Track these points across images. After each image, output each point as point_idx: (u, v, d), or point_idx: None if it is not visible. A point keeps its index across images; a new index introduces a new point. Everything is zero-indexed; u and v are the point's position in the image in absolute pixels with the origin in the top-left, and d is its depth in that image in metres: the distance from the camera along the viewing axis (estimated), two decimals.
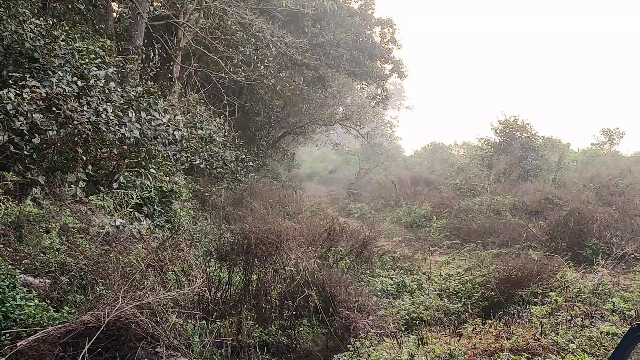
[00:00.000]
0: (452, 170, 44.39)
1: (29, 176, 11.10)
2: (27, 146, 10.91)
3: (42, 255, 8.94)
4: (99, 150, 13.00)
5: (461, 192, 32.12)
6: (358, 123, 46.74)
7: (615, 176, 29.39)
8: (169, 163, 15.50)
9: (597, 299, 12.30)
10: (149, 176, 13.72)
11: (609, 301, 12.11)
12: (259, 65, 24.11)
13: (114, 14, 19.47)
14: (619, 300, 12.10)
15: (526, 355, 8.50)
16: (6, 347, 6.66)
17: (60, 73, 11.77)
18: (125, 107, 13.27)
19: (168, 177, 14.78)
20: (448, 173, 44.04)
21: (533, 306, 11.72)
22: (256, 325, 9.80)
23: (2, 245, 8.60)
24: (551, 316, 10.79)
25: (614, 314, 11.40)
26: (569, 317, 10.57)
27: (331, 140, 53.77)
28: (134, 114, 13.15)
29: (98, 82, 12.64)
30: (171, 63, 21.45)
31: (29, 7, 13.91)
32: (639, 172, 32.81)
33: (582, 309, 11.32)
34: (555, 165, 36.67)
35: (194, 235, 13.81)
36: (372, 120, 53.88)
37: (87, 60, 12.94)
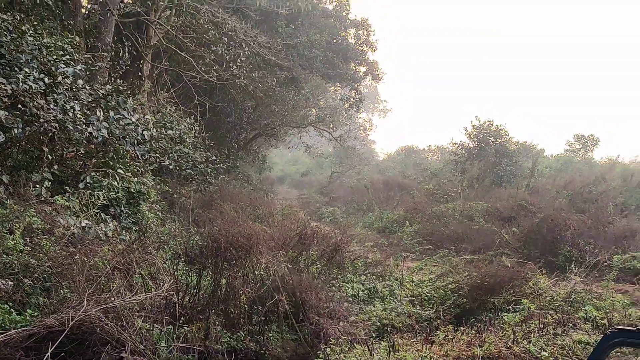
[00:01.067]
0: (425, 175, 44.39)
1: None
2: None
3: (4, 256, 8.71)
4: (65, 149, 12.72)
5: (434, 197, 32.10)
6: (331, 126, 46.65)
7: (589, 183, 29.54)
8: (137, 163, 15.24)
9: (569, 307, 12.26)
10: (117, 177, 13.46)
11: (581, 309, 12.07)
12: (231, 65, 23.89)
13: (83, 10, 19.15)
14: (592, 308, 12.06)
15: None
16: None
17: (27, 69, 11.47)
18: (93, 105, 12.99)
19: (136, 178, 14.53)
20: (421, 178, 44.00)
21: (505, 313, 11.67)
22: (224, 331, 9.60)
23: None
24: (523, 324, 10.72)
25: (587, 322, 11.37)
26: (541, 325, 10.51)
27: (303, 143, 53.59)
28: (102, 112, 12.88)
29: (66, 79, 12.37)
30: (141, 61, 21.16)
31: None
32: (613, 179, 33.03)
33: (555, 317, 11.27)
34: (529, 171, 36.81)
35: (162, 237, 13.58)
36: (345, 123, 53.74)
37: (55, 57, 12.65)
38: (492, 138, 39.14)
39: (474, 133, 39.60)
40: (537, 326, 10.50)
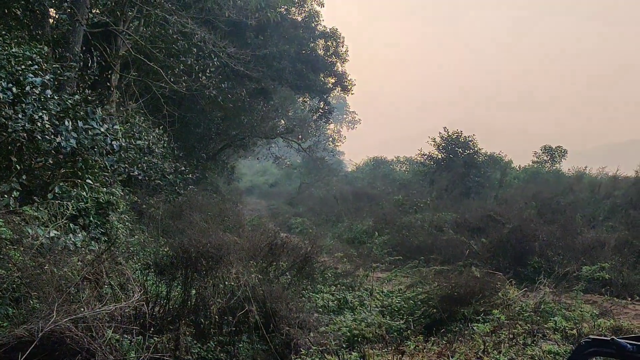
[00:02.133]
0: (394, 186, 44.57)
1: None
2: None
3: None
4: (33, 159, 12.59)
5: (403, 208, 32.23)
6: (300, 137, 46.70)
7: (557, 194, 29.77)
8: (106, 174, 15.12)
9: (539, 318, 12.35)
10: (85, 187, 13.34)
11: (551, 320, 12.17)
12: (200, 75, 23.82)
13: (51, 20, 19.01)
14: (561, 319, 12.17)
15: None
16: None
17: None
18: (61, 115, 12.88)
19: (105, 188, 14.42)
20: (390, 189, 44.17)
21: (475, 324, 11.72)
22: (195, 341, 9.58)
23: None
24: (493, 334, 10.79)
25: (556, 332, 11.46)
26: (511, 336, 10.59)
27: (272, 154, 53.63)
28: (70, 122, 12.77)
29: (34, 89, 12.25)
30: (110, 71, 21.00)
31: None
32: (581, 190, 33.32)
33: (525, 327, 11.36)
34: (497, 182, 37.06)
35: (132, 248, 13.49)
36: (314, 134, 53.80)
37: (23, 67, 12.53)
38: (460, 149, 39.37)
39: (443, 144, 39.80)
40: (507, 336, 10.57)
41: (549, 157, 46.26)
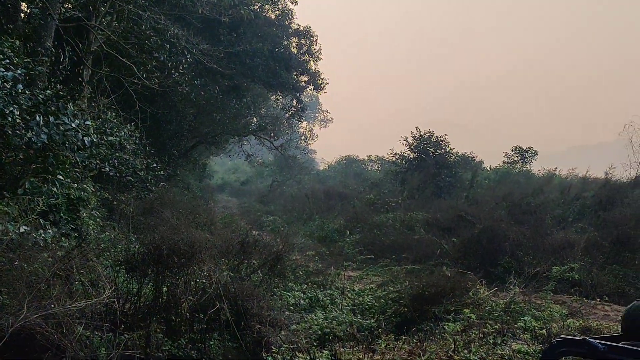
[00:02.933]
0: (365, 185, 44.64)
1: None
2: None
3: None
4: (4, 154, 12.50)
5: (375, 207, 32.29)
6: (272, 134, 46.65)
7: (527, 195, 29.92)
8: (77, 170, 15.03)
9: (509, 317, 12.45)
10: (56, 183, 13.25)
11: (520, 319, 12.27)
12: (173, 72, 23.71)
13: (23, 15, 18.83)
14: (531, 318, 12.27)
15: None
16: None
17: None
18: (33, 110, 12.76)
19: (76, 184, 14.34)
20: (362, 187, 44.23)
21: (446, 323, 11.80)
22: (165, 339, 9.55)
23: None
24: (464, 333, 10.87)
25: (526, 332, 11.57)
26: (481, 335, 10.68)
27: (244, 152, 53.41)
28: (42, 117, 12.67)
29: (5, 83, 12.14)
30: (81, 67, 20.84)
31: None
32: (551, 191, 33.53)
33: (495, 326, 11.46)
34: (468, 182, 37.22)
35: (102, 244, 13.41)
36: (286, 132, 53.79)
37: None
38: (432, 149, 39.51)
39: (414, 144, 39.91)
40: (477, 336, 10.66)
41: (519, 157, 46.53)
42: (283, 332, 10.94)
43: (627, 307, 4.07)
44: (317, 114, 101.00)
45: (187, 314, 10.28)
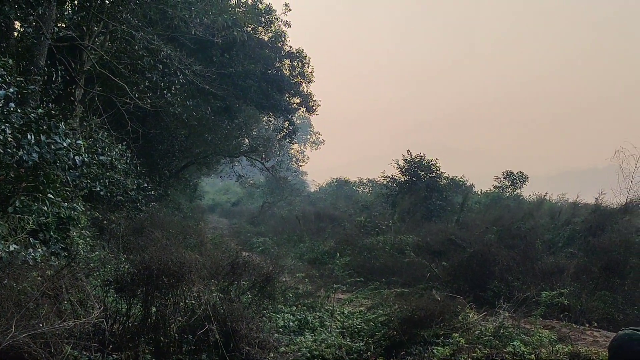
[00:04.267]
0: (356, 207, 44.60)
1: None
2: None
3: None
4: None
5: (365, 229, 32.24)
6: (263, 156, 46.66)
7: (518, 220, 29.90)
8: (67, 189, 15.01)
9: (498, 342, 12.40)
10: (47, 201, 13.24)
11: (510, 344, 12.22)
12: (165, 92, 23.79)
13: (16, 33, 18.88)
14: (520, 343, 12.22)
15: None
16: None
17: None
18: (24, 129, 12.78)
19: (66, 203, 14.32)
20: (352, 210, 44.21)
21: (435, 347, 11.74)
22: (154, 359, 9.49)
23: None
24: (453, 357, 10.85)
25: (515, 357, 11.52)
26: (470, 359, 10.63)
27: (235, 172, 53.46)
28: (33, 136, 12.69)
29: None
30: (74, 86, 20.88)
31: None
32: (541, 216, 33.55)
33: (484, 351, 11.42)
34: (459, 206, 37.24)
35: (92, 264, 13.38)
36: (278, 154, 53.90)
37: None
38: (423, 172, 39.58)
39: (405, 167, 39.99)
40: None
41: (510, 182, 46.60)
42: (272, 354, 10.92)
43: (614, 336, 4.09)
44: (308, 136, 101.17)
45: (176, 335, 10.23)
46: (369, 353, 11.57)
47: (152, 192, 24.42)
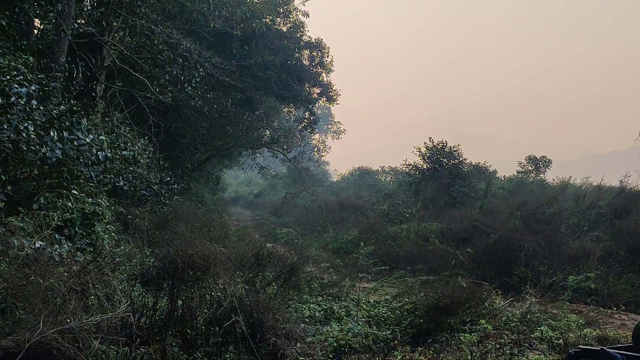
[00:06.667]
0: (379, 196, 44.52)
1: None
2: None
3: None
4: (19, 170, 12.55)
5: (389, 218, 32.17)
6: (285, 147, 46.65)
7: (542, 204, 29.70)
8: (91, 184, 15.07)
9: (525, 328, 12.36)
10: (71, 197, 13.30)
11: (537, 330, 12.18)
12: (185, 85, 23.81)
13: (36, 31, 18.96)
14: (547, 328, 12.18)
15: None
16: None
17: None
18: (47, 126, 12.84)
19: (90, 199, 14.38)
20: (375, 199, 44.14)
21: (462, 334, 11.73)
22: (181, 352, 9.52)
23: None
24: (480, 344, 10.80)
25: (542, 342, 11.48)
26: (498, 346, 10.60)
27: (257, 164, 53.55)
28: (56, 133, 12.73)
29: (19, 99, 12.20)
30: (95, 82, 20.95)
31: None
32: (565, 200, 33.30)
33: (511, 337, 11.38)
34: (482, 192, 37.04)
35: (117, 258, 13.43)
36: (299, 144, 53.86)
37: (8, 77, 12.47)
38: (445, 159, 39.41)
39: (428, 154, 39.84)
40: (494, 346, 10.59)
41: (533, 167, 46.31)
42: (299, 345, 10.92)
43: (637, 323, 4.04)
44: (329, 126, 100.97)
45: (203, 328, 10.26)
46: (395, 341, 11.54)
47: (175, 186, 24.47)
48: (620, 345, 4.54)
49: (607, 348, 3.57)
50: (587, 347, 3.65)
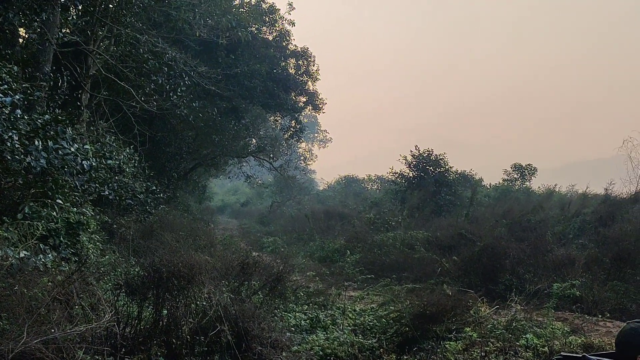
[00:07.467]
0: (365, 204, 44.55)
1: None
2: None
3: None
4: (3, 179, 12.51)
5: (375, 226, 32.19)
6: (271, 155, 46.60)
7: (527, 212, 29.83)
8: (76, 193, 15.03)
9: (510, 335, 12.38)
10: (56, 207, 13.26)
11: (522, 337, 12.21)
12: (171, 94, 23.78)
13: (21, 40, 18.90)
14: (533, 336, 12.21)
15: None
16: None
17: None
18: (31, 135, 12.78)
19: (75, 208, 14.34)
20: (361, 207, 44.18)
21: (448, 342, 11.75)
22: None
23: None
24: (466, 352, 10.84)
25: (528, 350, 11.52)
26: (483, 353, 10.64)
27: (244, 173, 53.47)
28: (40, 142, 12.69)
29: (4, 109, 12.16)
30: (80, 91, 20.87)
31: None
32: (551, 208, 33.43)
33: (497, 344, 11.42)
34: (468, 200, 37.13)
35: (102, 268, 13.40)
36: (285, 153, 53.89)
37: None
38: (431, 167, 39.50)
39: (414, 163, 39.91)
40: (479, 354, 10.62)
41: (519, 175, 46.47)
42: (284, 354, 10.93)
43: (620, 330, 4.07)
44: (316, 134, 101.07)
45: (188, 337, 10.25)
46: (381, 350, 11.57)
47: (161, 195, 24.42)
48: (603, 352, 4.57)
49: (590, 355, 3.61)
50: (569, 354, 3.68)
